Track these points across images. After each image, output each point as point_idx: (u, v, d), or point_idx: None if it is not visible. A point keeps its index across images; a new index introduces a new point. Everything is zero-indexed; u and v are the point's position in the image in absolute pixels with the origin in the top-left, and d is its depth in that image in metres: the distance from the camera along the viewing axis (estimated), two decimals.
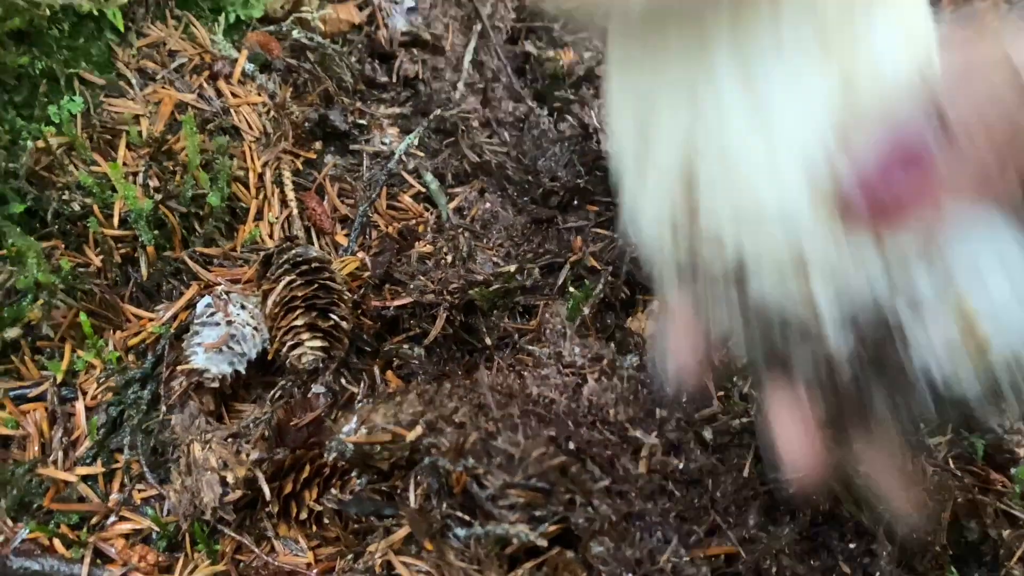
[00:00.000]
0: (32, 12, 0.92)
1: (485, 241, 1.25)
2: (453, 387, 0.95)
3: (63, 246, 1.02)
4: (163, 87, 1.12)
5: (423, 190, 1.27)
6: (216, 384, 0.99)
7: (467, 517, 0.82)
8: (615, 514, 0.83)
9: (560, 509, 0.81)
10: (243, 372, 1.01)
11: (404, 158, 1.28)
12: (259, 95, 1.18)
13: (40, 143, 0.99)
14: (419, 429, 0.87)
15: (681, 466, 0.91)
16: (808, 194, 0.45)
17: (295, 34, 1.23)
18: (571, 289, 1.19)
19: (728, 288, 0.50)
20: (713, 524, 0.85)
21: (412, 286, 1.07)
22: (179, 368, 0.98)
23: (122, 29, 1.04)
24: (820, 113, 0.45)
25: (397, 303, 1.05)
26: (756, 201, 0.46)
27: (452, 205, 1.28)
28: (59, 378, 0.99)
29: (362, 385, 1.00)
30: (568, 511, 0.81)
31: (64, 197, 1.00)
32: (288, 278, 1.01)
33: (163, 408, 0.98)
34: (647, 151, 0.51)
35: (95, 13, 1.00)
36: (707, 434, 0.94)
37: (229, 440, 0.96)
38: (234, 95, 1.17)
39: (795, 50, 0.44)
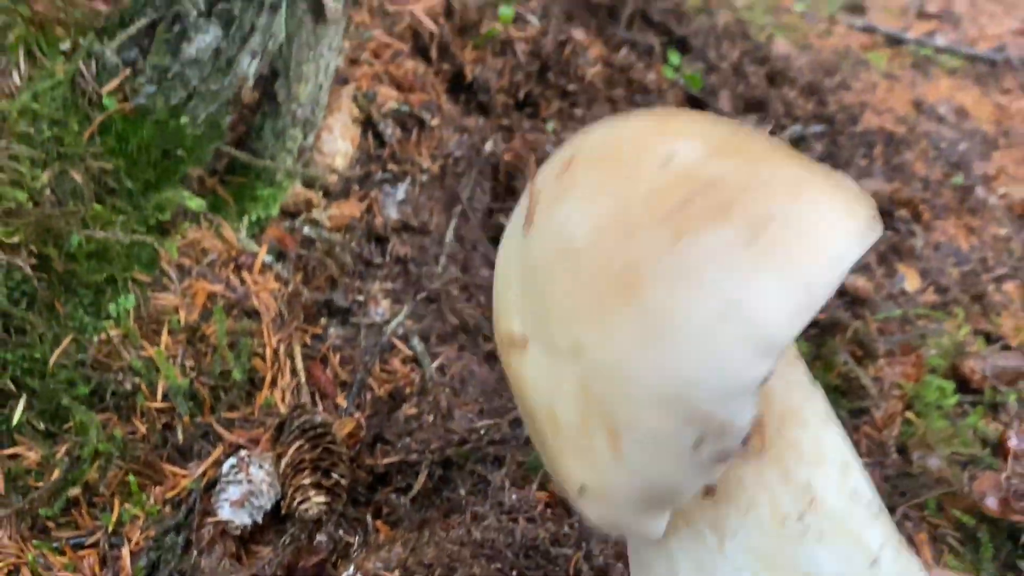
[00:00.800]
0: (107, 240, 1.18)
1: (463, 397, 1.49)
2: (431, 535, 1.18)
3: (116, 418, 1.25)
4: (197, 280, 1.38)
5: (411, 353, 1.52)
6: (238, 532, 1.21)
7: None
8: None
9: None
10: (260, 521, 1.23)
11: (397, 326, 1.54)
12: (276, 282, 1.44)
13: (103, 335, 1.24)
14: (397, 574, 1.09)
15: None
16: None
17: (306, 230, 1.50)
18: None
19: None
20: None
21: (399, 445, 1.30)
22: (208, 519, 1.21)
23: (167, 269, 1.30)
24: None
25: (386, 461, 1.28)
26: None
27: (435, 364, 1.53)
28: (110, 528, 1.21)
29: (357, 535, 1.22)
30: None
31: (119, 379, 1.24)
32: (297, 443, 1.25)
33: (194, 552, 1.20)
34: None
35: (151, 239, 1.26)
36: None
37: None
38: (255, 283, 1.43)
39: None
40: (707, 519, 0.66)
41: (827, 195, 0.59)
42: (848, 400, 1.58)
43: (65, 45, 1.07)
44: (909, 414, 1.62)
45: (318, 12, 1.29)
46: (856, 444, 1.50)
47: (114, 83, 1.10)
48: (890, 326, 1.89)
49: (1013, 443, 1.62)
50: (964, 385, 1.75)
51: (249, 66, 1.19)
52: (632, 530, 0.66)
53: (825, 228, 0.57)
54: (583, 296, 0.60)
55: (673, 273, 0.56)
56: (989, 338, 1.94)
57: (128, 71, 1.10)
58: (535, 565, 1.17)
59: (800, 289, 0.55)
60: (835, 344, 1.62)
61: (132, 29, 1.07)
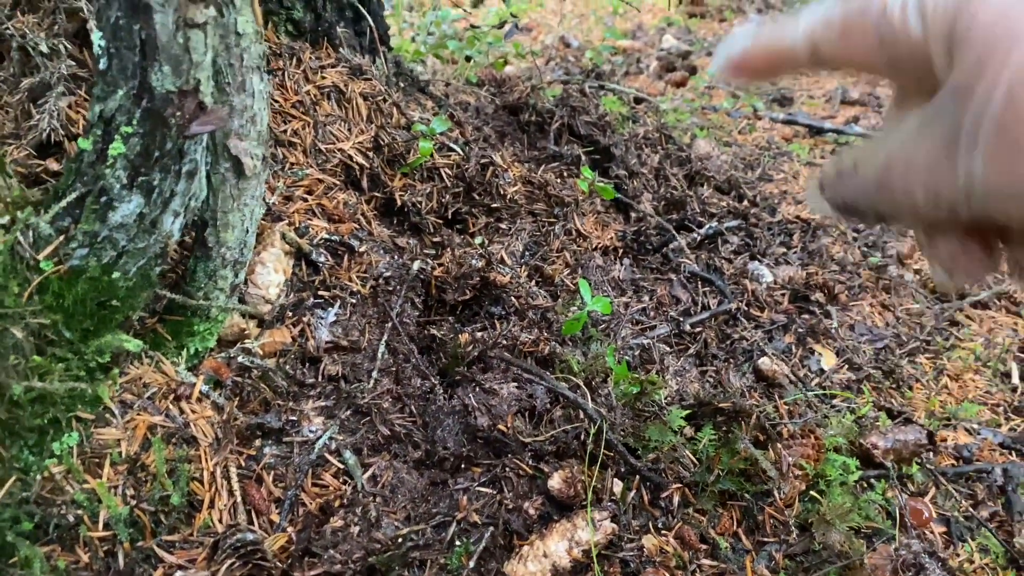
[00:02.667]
0: (46, 389, 1.31)
1: (391, 505, 1.60)
2: None
3: (60, 549, 1.36)
4: (139, 413, 1.51)
5: (342, 466, 1.64)
6: None
7: None
8: None
9: None
10: None
11: (329, 441, 1.66)
12: (212, 410, 1.57)
13: (46, 473, 1.36)
14: None
15: None
16: None
17: (241, 358, 1.63)
18: (456, 544, 1.53)
19: None
20: None
21: (325, 557, 1.41)
22: None
23: (109, 404, 1.44)
24: None
25: (312, 573, 1.39)
26: None
27: (366, 475, 1.64)
28: None
29: None
30: None
31: (62, 512, 1.35)
32: (229, 561, 1.35)
33: None
34: None
35: (91, 387, 1.39)
36: None
37: None
38: (193, 412, 1.55)
39: None
40: None
41: None
42: (752, 484, 1.70)
43: (4, 219, 1.22)
44: (813, 493, 1.74)
45: (239, 170, 1.46)
46: (760, 525, 1.62)
47: (50, 249, 1.25)
48: (799, 408, 2.02)
49: (922, 515, 1.75)
50: (867, 461, 1.88)
51: (172, 224, 1.35)
52: None
53: None
54: None
55: None
56: (891, 413, 2.08)
57: (62, 238, 1.26)
58: None
59: None
60: (739, 431, 1.75)
61: (64, 202, 1.23)
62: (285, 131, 2.05)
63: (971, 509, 1.87)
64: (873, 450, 1.86)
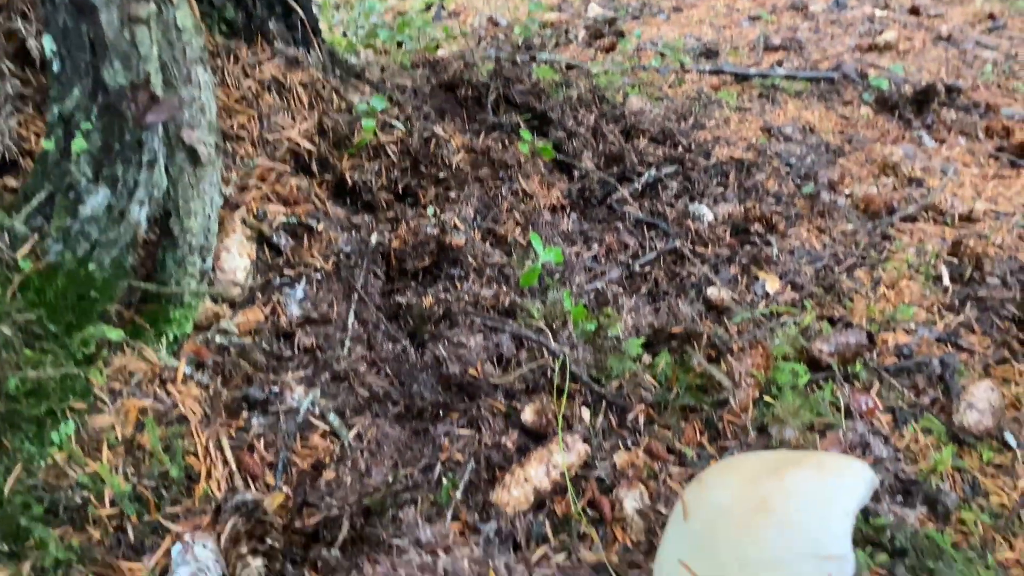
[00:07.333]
0: (39, 374, 1.39)
1: (378, 457, 1.71)
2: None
3: (72, 529, 1.44)
4: (128, 399, 1.59)
5: (328, 428, 1.74)
6: None
7: None
8: None
9: None
10: None
11: (313, 406, 1.76)
12: (198, 388, 1.66)
13: (50, 460, 1.44)
14: None
15: None
16: None
17: (218, 339, 1.72)
18: (443, 481, 1.65)
19: None
20: None
21: (322, 505, 1.51)
22: None
23: (100, 393, 1.52)
24: None
25: (312, 520, 1.49)
26: None
27: (352, 434, 1.74)
28: None
29: None
30: None
31: (69, 494, 1.44)
32: (232, 519, 1.45)
33: None
34: None
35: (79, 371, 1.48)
36: None
37: None
38: (179, 392, 1.64)
39: None
40: None
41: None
42: (709, 396, 1.84)
43: None
44: (767, 398, 1.88)
45: (195, 159, 1.55)
46: (721, 432, 1.76)
47: (26, 248, 1.33)
48: (747, 327, 2.17)
49: (859, 405, 1.90)
50: (815, 365, 2.03)
51: (139, 213, 1.43)
52: None
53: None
54: (739, 520, 1.15)
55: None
56: (833, 321, 2.24)
57: (36, 236, 1.34)
58: None
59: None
60: (692, 351, 1.89)
61: (35, 202, 1.31)
62: (232, 125, 2.13)
63: (914, 398, 2.03)
64: (819, 355, 2.01)
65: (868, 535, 1.60)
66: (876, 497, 1.63)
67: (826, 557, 1.06)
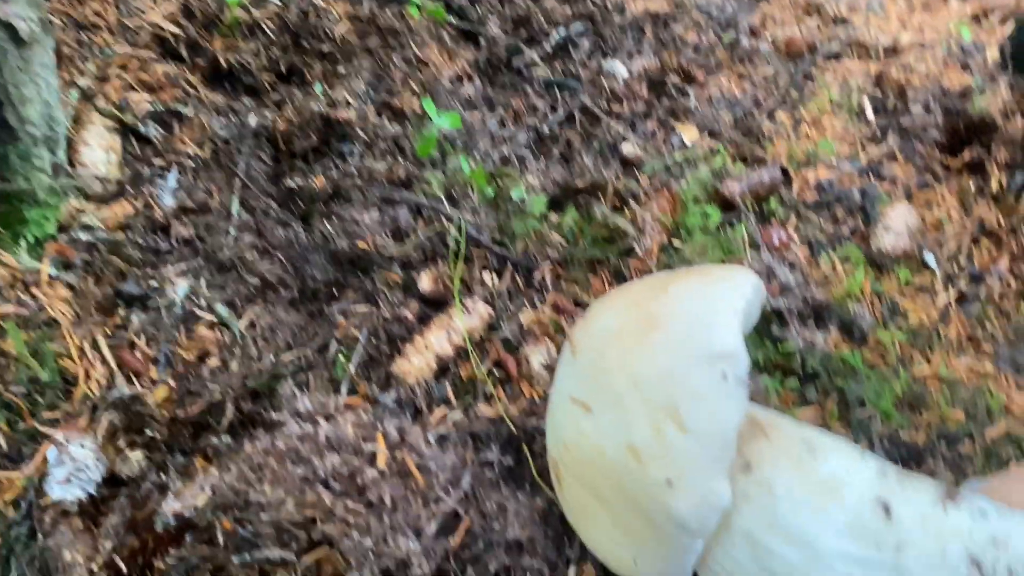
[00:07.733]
0: None
1: (271, 343, 1.63)
2: (242, 455, 1.32)
3: None
4: None
5: (216, 320, 1.65)
6: (76, 507, 1.33)
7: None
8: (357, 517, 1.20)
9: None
10: (95, 493, 1.35)
11: (197, 298, 1.66)
12: (66, 290, 1.55)
13: None
14: (208, 492, 1.23)
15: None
16: None
17: (84, 236, 1.61)
18: (340, 357, 1.57)
19: None
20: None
21: (204, 393, 1.44)
22: (42, 503, 1.33)
23: None
24: None
25: (196, 408, 1.42)
26: None
27: (243, 323, 1.66)
28: None
29: (181, 476, 1.35)
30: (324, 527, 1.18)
31: None
32: (107, 414, 1.37)
33: (40, 536, 1.32)
34: None
35: None
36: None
37: (92, 543, 1.30)
38: (46, 295, 1.54)
39: None
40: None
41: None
42: (615, 245, 1.76)
43: None
44: (676, 242, 1.81)
45: (15, 37, 1.40)
46: (630, 279, 1.69)
47: None
48: (659, 176, 2.08)
49: (771, 240, 1.83)
50: (728, 206, 1.95)
51: None
52: (712, 499, 0.96)
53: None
54: (627, 341, 1.07)
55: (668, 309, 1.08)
56: (747, 160, 2.15)
57: None
58: (342, 462, 1.30)
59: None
60: (597, 203, 1.80)
61: None
62: (85, 14, 1.96)
63: (832, 229, 1.97)
64: (730, 194, 1.93)
65: (777, 361, 1.56)
66: (783, 322, 1.58)
67: (717, 355, 0.99)
